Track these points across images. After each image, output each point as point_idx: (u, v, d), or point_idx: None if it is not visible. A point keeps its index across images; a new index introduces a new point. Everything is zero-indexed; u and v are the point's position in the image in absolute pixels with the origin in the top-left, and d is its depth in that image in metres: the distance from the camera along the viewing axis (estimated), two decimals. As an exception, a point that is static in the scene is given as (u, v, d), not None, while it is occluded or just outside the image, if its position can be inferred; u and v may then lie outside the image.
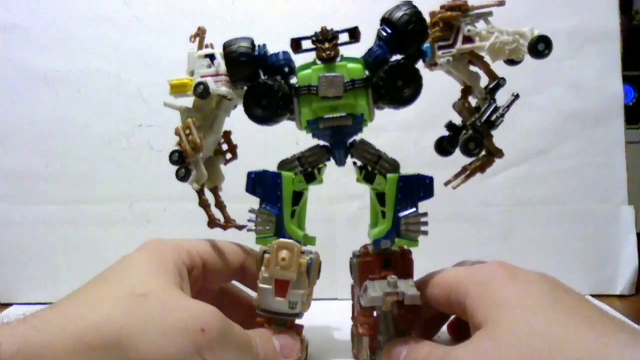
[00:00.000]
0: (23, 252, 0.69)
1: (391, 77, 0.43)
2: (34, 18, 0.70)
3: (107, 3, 0.70)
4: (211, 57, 0.45)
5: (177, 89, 0.46)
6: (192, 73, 0.46)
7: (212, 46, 0.46)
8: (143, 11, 0.70)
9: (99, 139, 0.69)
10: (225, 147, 0.50)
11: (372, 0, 0.62)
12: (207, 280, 0.45)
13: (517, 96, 0.45)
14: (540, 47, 0.44)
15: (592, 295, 0.66)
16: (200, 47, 0.47)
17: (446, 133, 0.49)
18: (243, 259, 0.47)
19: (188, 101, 0.47)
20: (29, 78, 0.69)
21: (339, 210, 0.68)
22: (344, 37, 0.43)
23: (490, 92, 0.46)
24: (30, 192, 0.69)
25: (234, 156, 0.50)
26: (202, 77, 0.45)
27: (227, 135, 0.49)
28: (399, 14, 0.43)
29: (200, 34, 0.47)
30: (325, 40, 0.43)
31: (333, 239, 0.67)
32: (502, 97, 0.46)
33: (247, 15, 0.70)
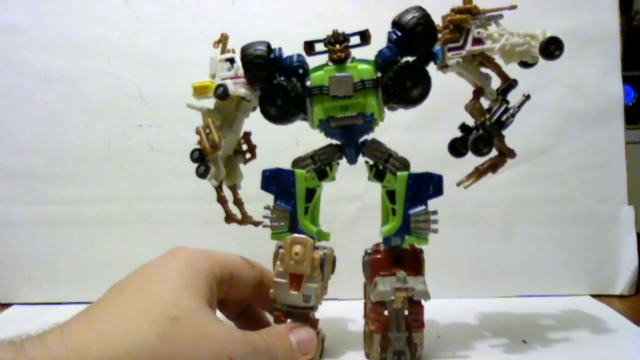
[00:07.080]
0: (23, 252, 0.68)
1: (400, 78, 0.45)
2: (34, 18, 0.69)
3: (107, 3, 0.70)
4: (231, 60, 0.48)
5: (199, 91, 0.48)
6: (214, 76, 0.48)
7: (233, 51, 0.48)
8: (143, 11, 0.70)
9: (99, 139, 0.69)
10: (245, 147, 0.51)
11: (371, 1, 0.62)
12: (229, 293, 0.45)
13: (528, 97, 0.46)
14: (552, 48, 0.45)
15: (592, 296, 0.66)
16: (223, 51, 0.49)
17: (459, 134, 0.50)
18: (260, 276, 0.47)
19: (210, 102, 0.49)
20: (29, 78, 0.69)
21: (339, 210, 0.68)
22: (355, 40, 0.45)
23: (502, 93, 0.47)
24: (30, 192, 0.69)
25: (253, 156, 0.52)
26: (222, 79, 0.47)
27: (247, 136, 0.51)
28: (408, 17, 0.44)
29: (223, 40, 0.49)
30: (337, 42, 0.44)
31: (333, 239, 0.67)
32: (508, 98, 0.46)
33: (247, 16, 0.70)
